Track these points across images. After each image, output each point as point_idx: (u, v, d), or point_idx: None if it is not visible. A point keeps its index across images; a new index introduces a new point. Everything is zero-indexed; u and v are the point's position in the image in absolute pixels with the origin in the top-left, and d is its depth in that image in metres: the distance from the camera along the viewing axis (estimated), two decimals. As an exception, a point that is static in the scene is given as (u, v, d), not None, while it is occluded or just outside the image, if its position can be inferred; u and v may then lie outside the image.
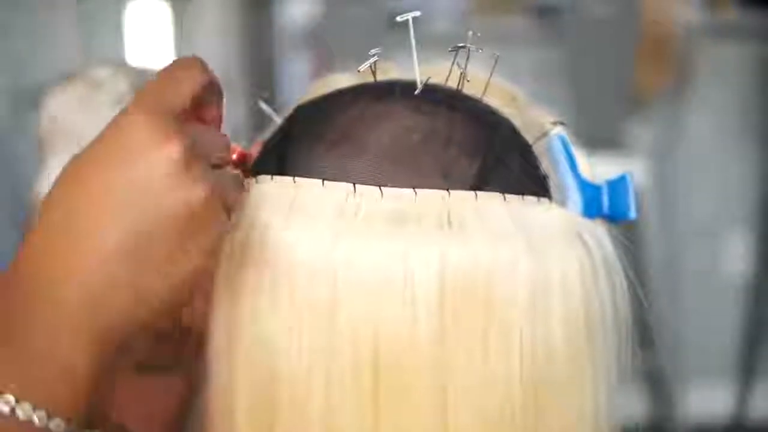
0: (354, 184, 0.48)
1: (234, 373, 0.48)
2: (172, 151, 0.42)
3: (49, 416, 0.41)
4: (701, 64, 2.50)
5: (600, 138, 2.15)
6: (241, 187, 0.48)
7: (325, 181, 0.48)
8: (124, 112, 0.44)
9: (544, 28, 2.48)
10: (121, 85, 1.09)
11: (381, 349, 0.46)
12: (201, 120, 0.47)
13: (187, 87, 0.45)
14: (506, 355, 0.46)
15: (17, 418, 0.40)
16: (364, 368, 0.46)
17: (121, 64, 1.18)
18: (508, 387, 0.47)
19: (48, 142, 1.11)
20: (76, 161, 0.44)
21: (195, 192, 0.43)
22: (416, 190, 0.47)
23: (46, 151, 1.12)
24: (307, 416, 0.47)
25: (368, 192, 0.47)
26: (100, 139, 0.43)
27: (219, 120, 0.49)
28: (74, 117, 1.09)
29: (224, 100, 0.49)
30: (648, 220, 2.38)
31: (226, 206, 0.45)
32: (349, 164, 0.48)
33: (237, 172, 0.48)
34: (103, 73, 1.10)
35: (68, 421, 0.41)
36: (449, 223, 0.47)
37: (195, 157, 0.43)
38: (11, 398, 0.40)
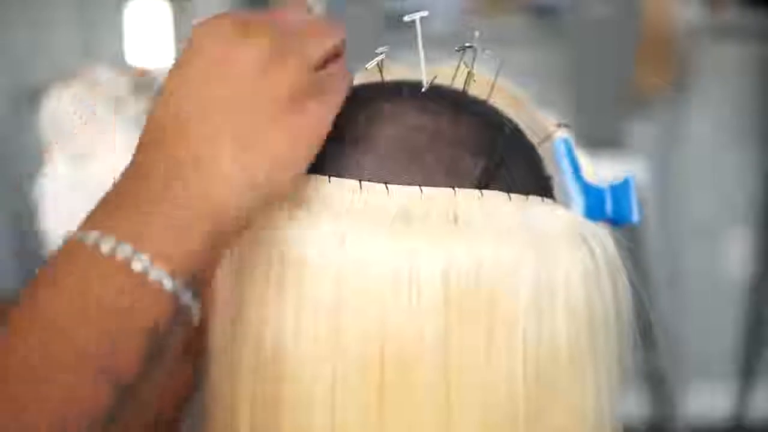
0: (360, 181, 0.48)
1: (238, 371, 0.48)
2: (256, 46, 0.45)
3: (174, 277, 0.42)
4: (701, 64, 2.50)
5: (600, 138, 2.14)
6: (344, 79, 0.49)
7: (332, 178, 0.48)
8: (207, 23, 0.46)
9: (543, 28, 2.47)
10: (121, 86, 1.09)
11: (386, 347, 0.46)
12: None
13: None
14: (510, 354, 0.47)
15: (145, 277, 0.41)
16: (370, 366, 0.46)
17: (121, 64, 1.18)
18: (511, 386, 0.47)
19: (48, 142, 1.11)
20: (178, 72, 0.46)
21: (286, 74, 0.45)
22: (422, 188, 0.47)
23: (46, 151, 1.12)
24: (312, 414, 0.47)
25: (375, 189, 0.47)
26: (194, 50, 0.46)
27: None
28: (74, 117, 1.09)
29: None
30: (648, 219, 2.38)
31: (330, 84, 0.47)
32: (356, 162, 0.48)
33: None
34: (103, 73, 1.11)
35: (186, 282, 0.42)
36: (455, 220, 0.47)
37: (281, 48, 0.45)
38: (146, 258, 0.41)
